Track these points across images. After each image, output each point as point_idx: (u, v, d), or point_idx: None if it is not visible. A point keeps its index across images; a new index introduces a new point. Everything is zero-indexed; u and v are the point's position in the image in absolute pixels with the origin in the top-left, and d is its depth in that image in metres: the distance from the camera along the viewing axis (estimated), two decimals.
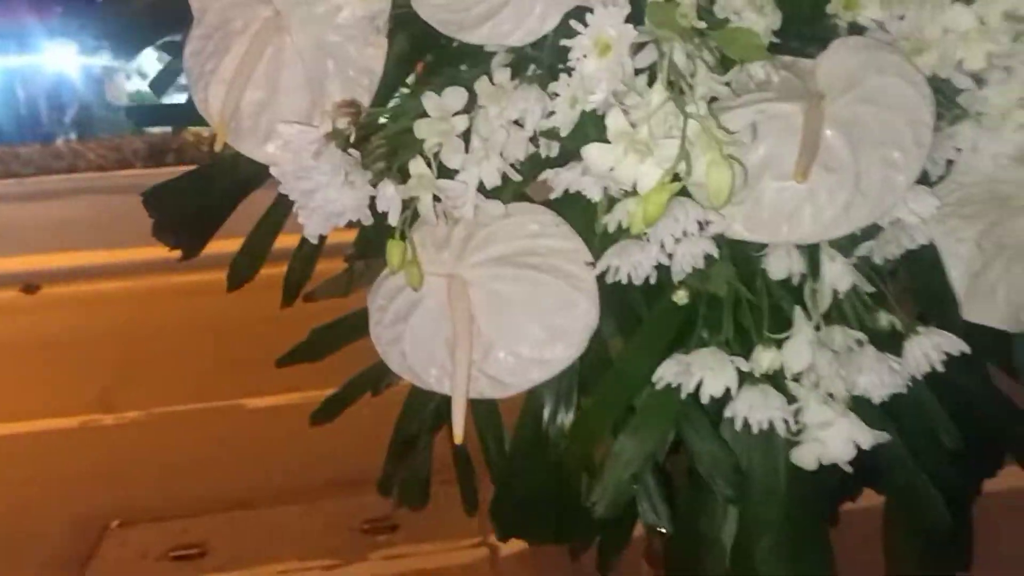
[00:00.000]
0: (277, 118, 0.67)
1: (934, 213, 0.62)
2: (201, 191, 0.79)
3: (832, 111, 0.61)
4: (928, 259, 0.66)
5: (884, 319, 0.66)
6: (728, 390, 0.59)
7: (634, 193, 0.58)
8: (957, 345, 0.62)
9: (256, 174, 0.78)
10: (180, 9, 0.79)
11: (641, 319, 0.68)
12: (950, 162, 0.67)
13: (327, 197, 0.63)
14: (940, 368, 0.63)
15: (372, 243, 0.71)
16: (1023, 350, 0.68)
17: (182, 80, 0.81)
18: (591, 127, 0.62)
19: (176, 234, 0.77)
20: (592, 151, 0.52)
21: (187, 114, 0.79)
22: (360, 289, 0.86)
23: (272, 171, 0.69)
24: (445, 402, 0.73)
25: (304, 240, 0.77)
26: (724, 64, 0.60)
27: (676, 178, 0.51)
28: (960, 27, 0.59)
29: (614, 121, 0.51)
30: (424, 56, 0.73)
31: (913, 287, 0.69)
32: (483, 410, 0.73)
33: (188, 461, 3.39)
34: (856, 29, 0.66)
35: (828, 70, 0.62)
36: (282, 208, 0.76)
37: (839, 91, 0.61)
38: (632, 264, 0.60)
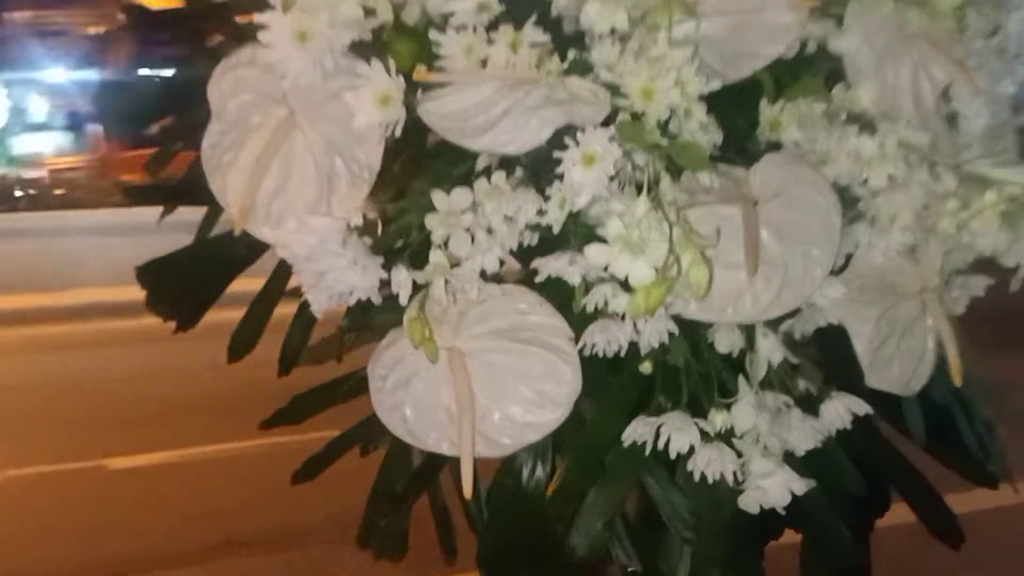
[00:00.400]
0: (288, 205, 0.75)
1: (841, 299, 0.77)
2: (197, 266, 0.85)
3: (764, 214, 0.74)
4: (836, 335, 0.81)
5: (802, 385, 0.80)
6: (692, 447, 0.71)
7: (612, 280, 0.70)
8: (863, 407, 0.77)
9: (251, 250, 0.85)
10: (180, 96, 0.86)
11: (603, 384, 0.79)
12: (849, 255, 0.82)
13: (339, 278, 0.72)
14: (849, 426, 0.78)
15: (365, 316, 0.79)
16: (910, 409, 0.83)
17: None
18: (572, 223, 0.73)
19: (172, 307, 0.83)
20: (593, 250, 0.64)
21: (187, 194, 0.85)
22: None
23: (280, 252, 0.76)
24: (431, 461, 0.81)
25: (302, 312, 0.85)
26: (676, 170, 0.73)
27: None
28: (865, 153, 0.74)
29: (613, 227, 0.63)
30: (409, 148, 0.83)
31: (823, 358, 0.83)
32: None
33: (50, 526, 3.25)
34: (775, 146, 0.80)
35: (760, 180, 0.76)
36: (279, 283, 0.83)
37: (768, 197, 0.75)
38: (608, 339, 0.71)
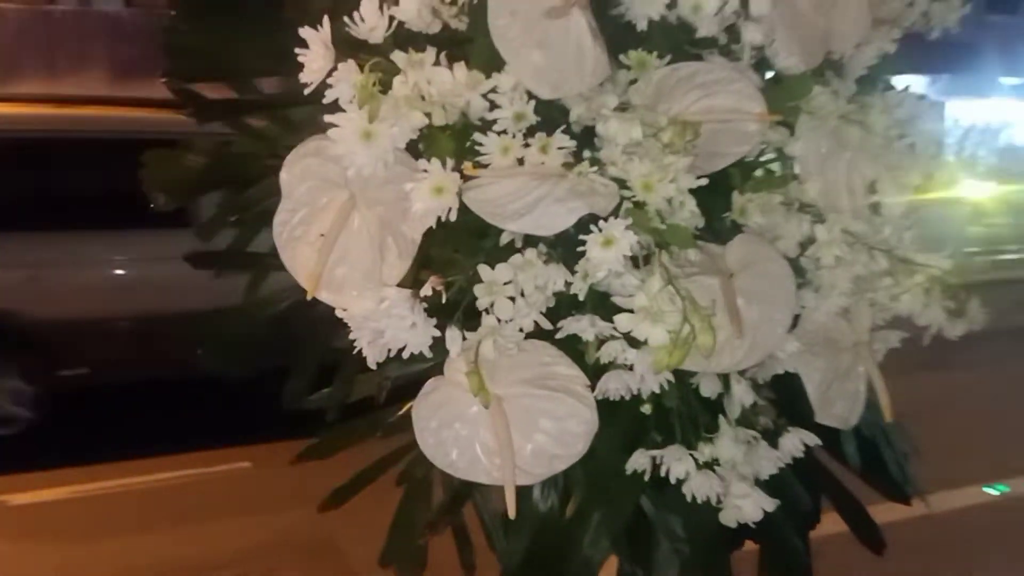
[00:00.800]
0: (348, 274, 0.88)
1: (796, 351, 0.96)
2: (247, 322, 0.96)
3: (738, 284, 0.92)
4: (789, 380, 0.99)
5: (763, 421, 0.98)
6: (688, 473, 0.88)
7: (622, 338, 0.86)
8: (814, 439, 0.95)
9: (294, 309, 0.97)
10: (224, 173, 0.98)
11: (603, 422, 0.95)
12: (797, 316, 1.01)
13: (396, 337, 0.85)
14: (801, 455, 0.96)
15: (408, 364, 0.93)
16: (847, 442, 1.03)
17: None
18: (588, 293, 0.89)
19: (224, 360, 0.94)
20: (623, 318, 0.80)
21: (236, 259, 0.97)
22: None
23: (341, 313, 0.89)
24: (463, 489, 0.95)
25: (346, 362, 0.98)
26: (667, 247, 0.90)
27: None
28: (818, 237, 0.93)
29: (639, 300, 0.79)
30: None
31: (778, 398, 1.01)
32: (480, 495, 0.96)
33: None
34: (737, 227, 0.99)
35: (733, 256, 0.94)
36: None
37: (740, 269, 0.93)
38: (619, 386, 0.88)
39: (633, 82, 0.90)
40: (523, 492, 0.93)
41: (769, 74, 0.97)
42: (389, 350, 0.87)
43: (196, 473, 4.53)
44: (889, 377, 1.01)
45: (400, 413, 0.97)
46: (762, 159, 0.98)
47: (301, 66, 0.89)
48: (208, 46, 0.98)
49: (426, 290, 0.82)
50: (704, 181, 0.89)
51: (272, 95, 0.97)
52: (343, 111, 0.84)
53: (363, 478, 1.00)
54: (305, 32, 0.85)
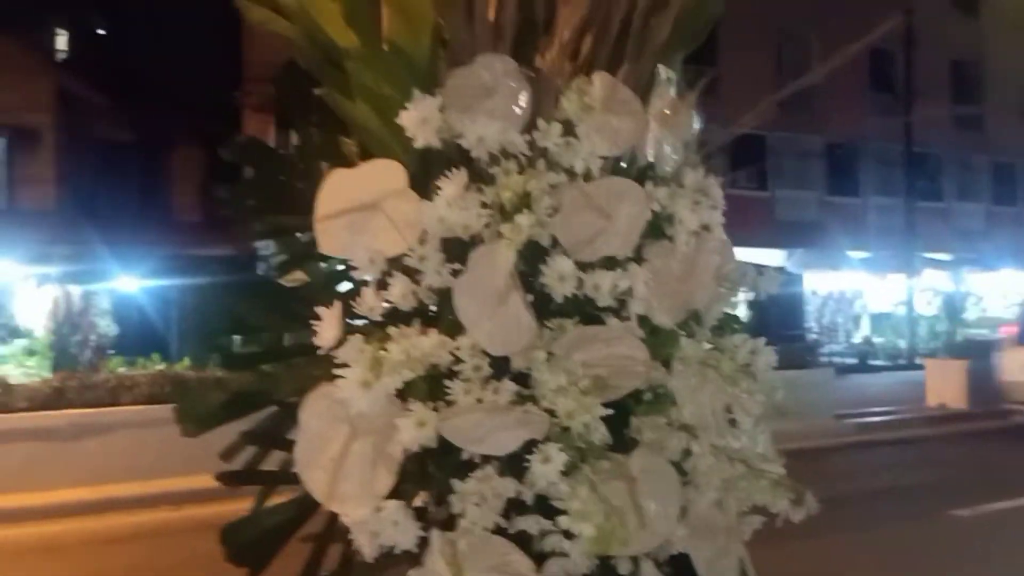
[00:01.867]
0: (350, 488, 1.17)
1: (685, 535, 1.28)
2: (261, 526, 1.22)
3: (639, 486, 1.25)
4: (682, 558, 1.31)
5: None
6: None
7: (559, 532, 1.17)
8: None
9: (299, 513, 1.24)
10: (242, 406, 1.27)
11: None
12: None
13: (388, 537, 1.13)
14: None
15: (393, 558, 1.20)
16: None
17: None
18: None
19: (245, 558, 1.19)
20: (564, 519, 1.11)
21: (254, 479, 1.24)
22: None
23: (344, 520, 1.17)
24: None
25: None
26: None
27: None
28: (694, 450, 1.28)
29: (575, 505, 1.11)
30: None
31: (675, 572, 1.32)
32: None
33: None
34: (635, 440, 1.33)
35: (635, 464, 1.27)
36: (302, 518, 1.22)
37: (640, 474, 1.26)
38: (559, 571, 1.17)
39: (555, 338, 1.26)
40: None
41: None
42: (382, 546, 1.15)
43: None
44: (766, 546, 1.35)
45: None
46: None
47: (303, 324, 1.21)
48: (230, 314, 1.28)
49: (416, 502, 1.11)
50: (610, 411, 1.23)
51: (280, 348, 1.28)
52: (341, 362, 1.16)
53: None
54: (320, 311, 1.17)
